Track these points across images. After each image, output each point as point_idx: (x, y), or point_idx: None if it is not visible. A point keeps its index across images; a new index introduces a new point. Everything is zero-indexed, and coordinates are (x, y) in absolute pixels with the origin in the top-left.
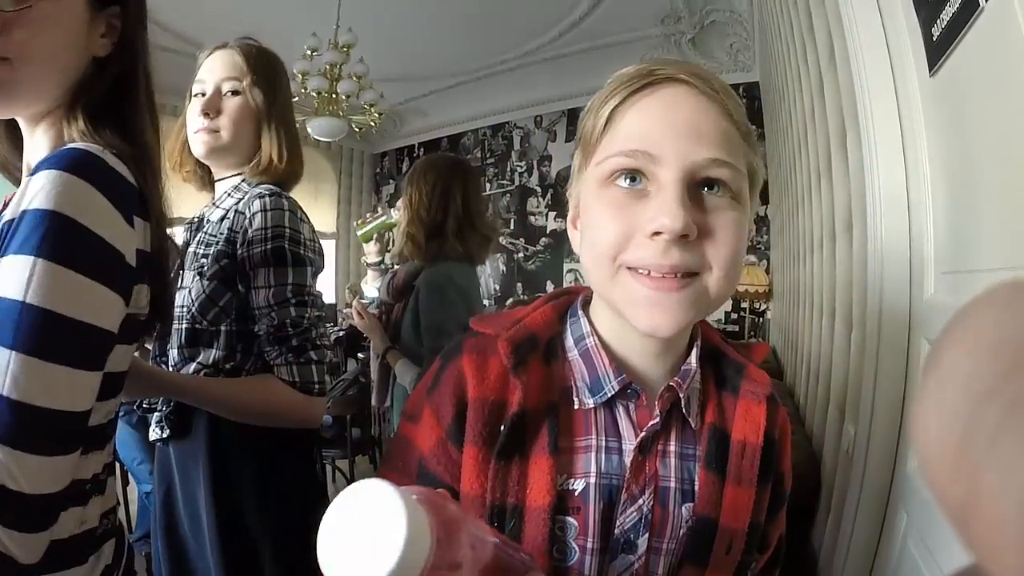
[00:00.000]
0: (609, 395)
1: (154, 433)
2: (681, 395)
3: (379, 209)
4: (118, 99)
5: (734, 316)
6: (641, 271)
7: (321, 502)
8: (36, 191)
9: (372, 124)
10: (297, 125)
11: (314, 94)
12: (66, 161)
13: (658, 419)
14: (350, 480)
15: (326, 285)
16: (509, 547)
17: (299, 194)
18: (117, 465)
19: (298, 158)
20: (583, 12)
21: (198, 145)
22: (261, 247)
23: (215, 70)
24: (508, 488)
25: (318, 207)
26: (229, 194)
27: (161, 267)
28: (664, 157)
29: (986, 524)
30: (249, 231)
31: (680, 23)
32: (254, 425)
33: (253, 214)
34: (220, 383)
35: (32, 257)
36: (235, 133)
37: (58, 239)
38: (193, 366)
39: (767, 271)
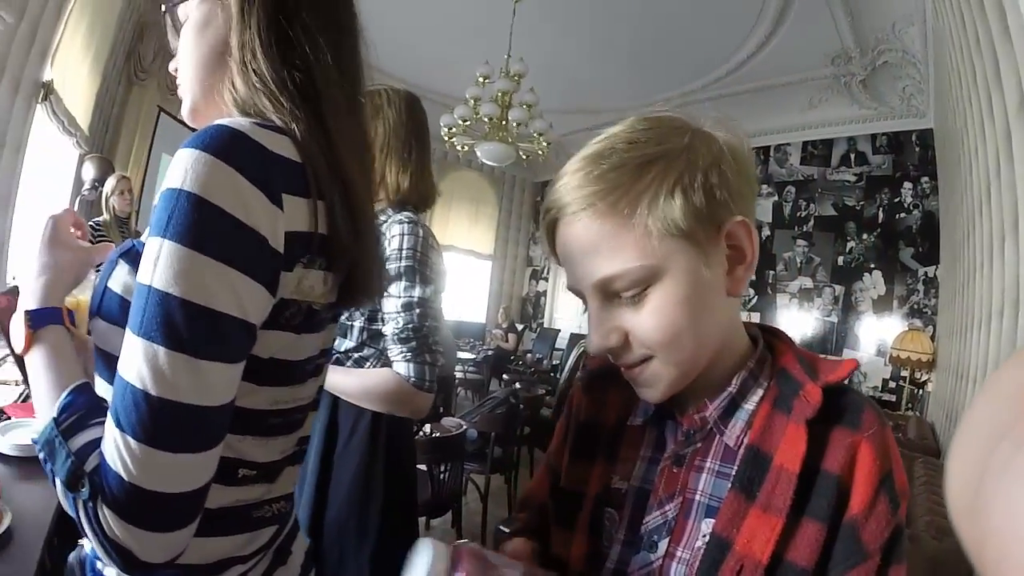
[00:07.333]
0: (649, 414)
1: None
2: (708, 416)
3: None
4: (282, 66)
5: (892, 385)
6: None
7: (408, 486)
8: (170, 172)
9: (540, 152)
10: (466, 148)
11: (485, 119)
12: (202, 139)
13: (683, 438)
14: (483, 495)
15: (479, 306)
16: None
17: (459, 214)
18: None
19: (426, 184)
20: (750, 52)
21: None
22: (397, 264)
23: None
24: (575, 480)
25: (477, 228)
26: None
27: (346, 251)
28: (581, 290)
29: (992, 560)
30: (388, 249)
31: (851, 64)
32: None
33: (392, 236)
34: (347, 372)
35: (160, 239)
36: None
37: (185, 220)
38: None
39: (932, 338)
